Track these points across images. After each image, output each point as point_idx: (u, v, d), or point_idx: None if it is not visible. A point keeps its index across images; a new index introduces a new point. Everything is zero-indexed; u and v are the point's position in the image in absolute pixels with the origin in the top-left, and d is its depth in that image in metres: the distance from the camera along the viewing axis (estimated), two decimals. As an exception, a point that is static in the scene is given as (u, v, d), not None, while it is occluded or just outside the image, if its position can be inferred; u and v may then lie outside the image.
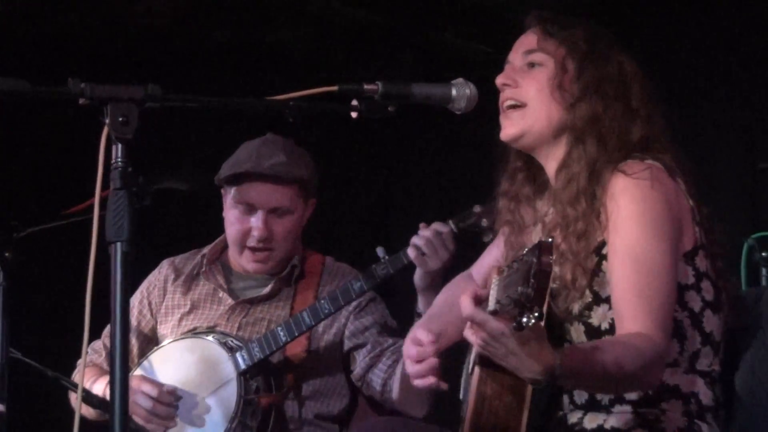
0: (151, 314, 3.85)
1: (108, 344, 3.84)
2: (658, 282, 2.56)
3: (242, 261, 3.77)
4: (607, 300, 2.66)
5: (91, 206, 2.25)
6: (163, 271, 3.91)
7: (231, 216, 3.74)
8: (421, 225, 3.45)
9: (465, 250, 3.49)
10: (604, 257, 2.66)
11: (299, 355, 3.66)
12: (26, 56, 5.00)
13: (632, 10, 4.68)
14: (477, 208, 3.46)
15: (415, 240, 3.42)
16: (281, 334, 3.56)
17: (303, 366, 3.66)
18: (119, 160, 2.22)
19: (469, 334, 2.41)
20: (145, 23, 5.14)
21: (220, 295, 3.79)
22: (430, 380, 2.70)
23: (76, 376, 3.73)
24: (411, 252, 3.43)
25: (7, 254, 3.18)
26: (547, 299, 2.53)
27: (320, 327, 3.67)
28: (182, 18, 5.14)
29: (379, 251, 3.55)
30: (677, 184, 2.70)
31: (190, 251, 3.95)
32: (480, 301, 2.43)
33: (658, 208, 2.61)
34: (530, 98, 2.77)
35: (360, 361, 3.69)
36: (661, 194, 2.63)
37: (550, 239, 2.29)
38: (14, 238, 3.21)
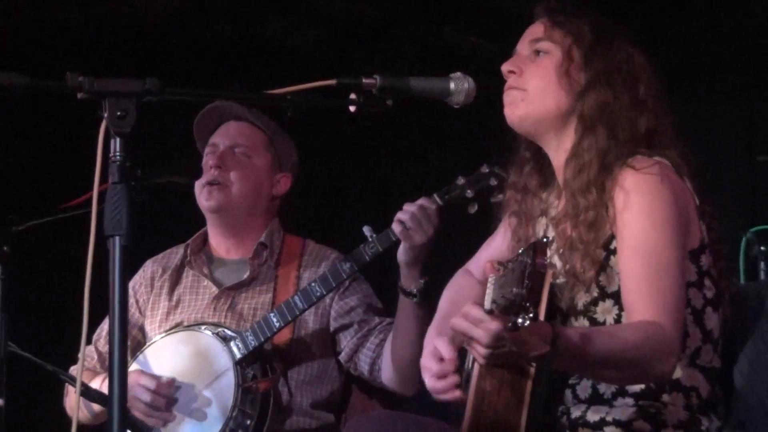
0: (140, 312, 3.86)
1: (100, 348, 3.86)
2: (668, 275, 2.56)
3: (200, 203, 3.79)
4: (613, 295, 2.66)
5: (90, 200, 2.24)
6: (147, 269, 3.92)
7: None
8: (406, 203, 3.46)
9: (450, 225, 3.49)
10: (612, 252, 2.66)
11: (286, 340, 3.66)
12: (24, 50, 4.99)
13: (631, 2, 4.68)
14: (461, 180, 3.46)
15: (399, 215, 3.41)
16: (274, 320, 3.57)
17: (291, 351, 3.66)
18: (117, 153, 2.22)
19: (475, 354, 2.38)
20: (144, 17, 5.13)
21: (204, 283, 3.80)
22: (454, 395, 2.66)
23: (72, 373, 3.72)
24: (396, 227, 3.41)
25: (5, 248, 3.18)
26: (545, 297, 2.54)
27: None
28: (180, 11, 5.14)
29: (366, 230, 3.54)
30: (684, 182, 2.70)
31: (170, 248, 3.97)
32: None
33: (667, 203, 2.61)
34: (534, 85, 2.76)
35: (347, 342, 3.69)
36: (669, 190, 2.63)
37: (545, 239, 2.29)
38: (13, 232, 3.21)
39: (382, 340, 3.65)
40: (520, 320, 2.20)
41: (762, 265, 3.78)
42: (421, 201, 3.43)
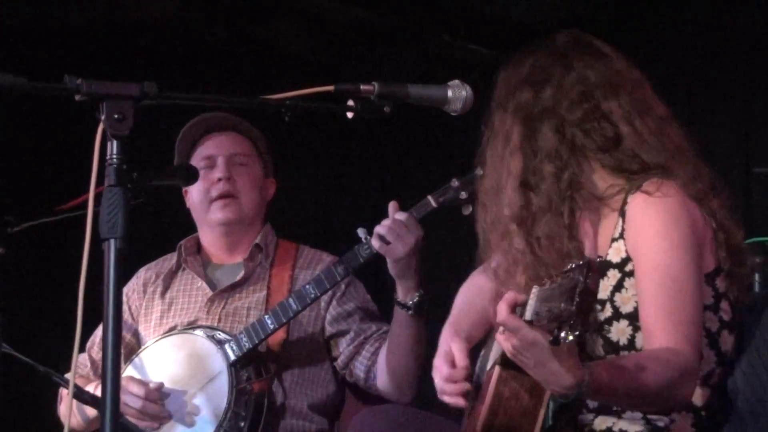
0: (132, 318, 3.85)
1: (93, 356, 3.85)
2: (686, 299, 2.58)
3: (210, 216, 3.76)
4: (628, 316, 2.67)
5: (86, 202, 2.24)
6: (141, 276, 3.92)
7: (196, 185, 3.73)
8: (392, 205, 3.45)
9: (438, 231, 3.50)
10: (627, 274, 2.67)
11: (280, 342, 3.65)
12: (23, 52, 4.99)
13: (627, 12, 4.68)
14: (455, 182, 3.46)
15: (377, 230, 3.42)
16: (269, 321, 3.56)
17: (286, 353, 3.66)
18: (114, 156, 2.22)
19: (502, 339, 2.40)
20: (142, 20, 5.13)
21: (198, 284, 3.79)
22: (459, 401, 2.71)
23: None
24: (375, 242, 3.41)
25: (0, 249, 3.17)
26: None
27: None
28: (179, 15, 5.14)
29: (360, 232, 3.52)
30: (700, 208, 2.70)
31: (162, 257, 3.97)
32: (515, 307, 2.43)
33: (683, 225, 2.63)
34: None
35: (344, 349, 3.69)
36: (685, 213, 2.64)
37: (598, 259, 2.29)
38: (8, 233, 3.21)
39: (378, 348, 3.65)
40: (562, 335, 2.20)
41: (757, 276, 3.78)
42: (397, 215, 3.42)
